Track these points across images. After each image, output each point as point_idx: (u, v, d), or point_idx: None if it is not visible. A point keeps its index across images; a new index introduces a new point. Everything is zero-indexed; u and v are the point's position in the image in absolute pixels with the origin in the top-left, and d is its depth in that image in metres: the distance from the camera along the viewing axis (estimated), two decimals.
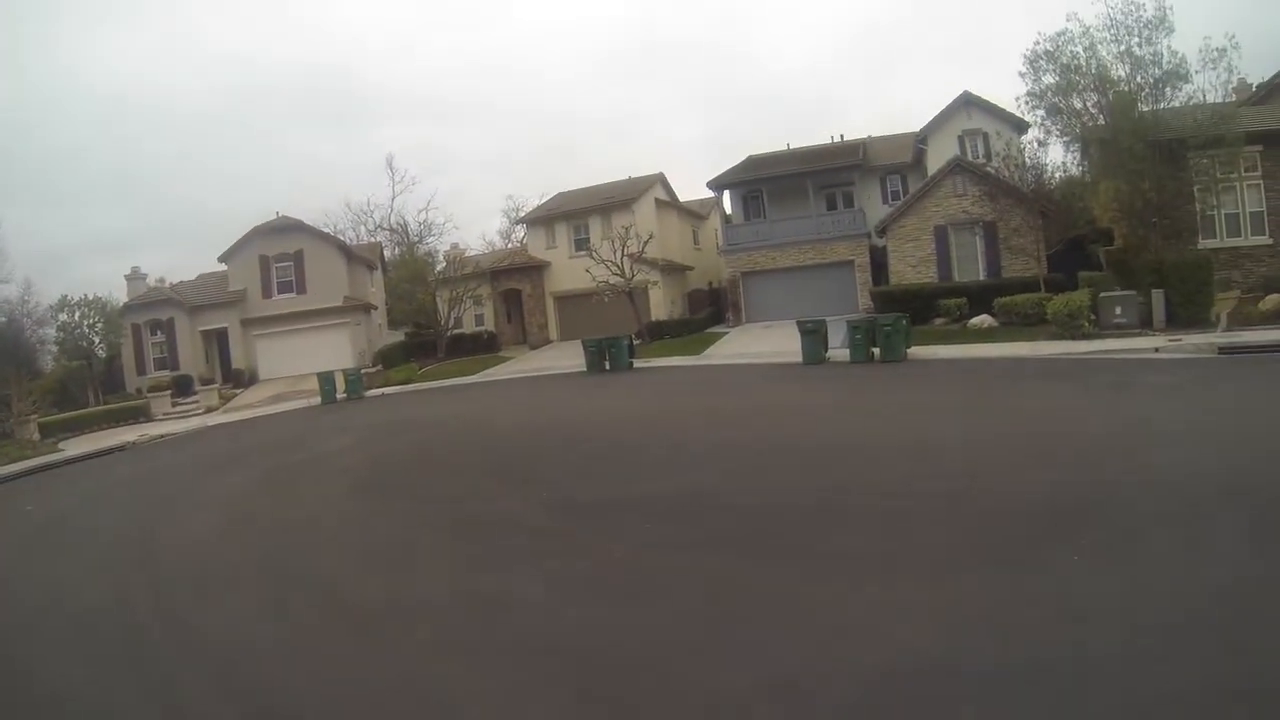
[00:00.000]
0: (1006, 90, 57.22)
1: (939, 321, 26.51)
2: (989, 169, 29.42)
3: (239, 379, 39.12)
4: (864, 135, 41.39)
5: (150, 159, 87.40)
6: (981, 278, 28.98)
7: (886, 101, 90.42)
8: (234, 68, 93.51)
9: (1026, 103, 24.87)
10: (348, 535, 9.58)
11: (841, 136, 41.34)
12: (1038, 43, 23.82)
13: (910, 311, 24.27)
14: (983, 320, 24.77)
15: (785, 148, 40.78)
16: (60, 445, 27.60)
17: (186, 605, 7.64)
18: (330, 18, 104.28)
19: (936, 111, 35.57)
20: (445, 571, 7.57)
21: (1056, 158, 40.48)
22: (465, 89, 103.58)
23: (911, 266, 30.71)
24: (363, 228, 45.84)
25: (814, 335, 22.16)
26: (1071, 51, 23.22)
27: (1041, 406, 12.91)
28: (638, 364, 27.46)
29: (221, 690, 5.60)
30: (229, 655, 6.20)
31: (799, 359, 22.25)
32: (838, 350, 22.73)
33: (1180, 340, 18.05)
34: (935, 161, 33.50)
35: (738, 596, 5.87)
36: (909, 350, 20.84)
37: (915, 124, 37.84)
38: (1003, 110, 32.08)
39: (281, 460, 16.47)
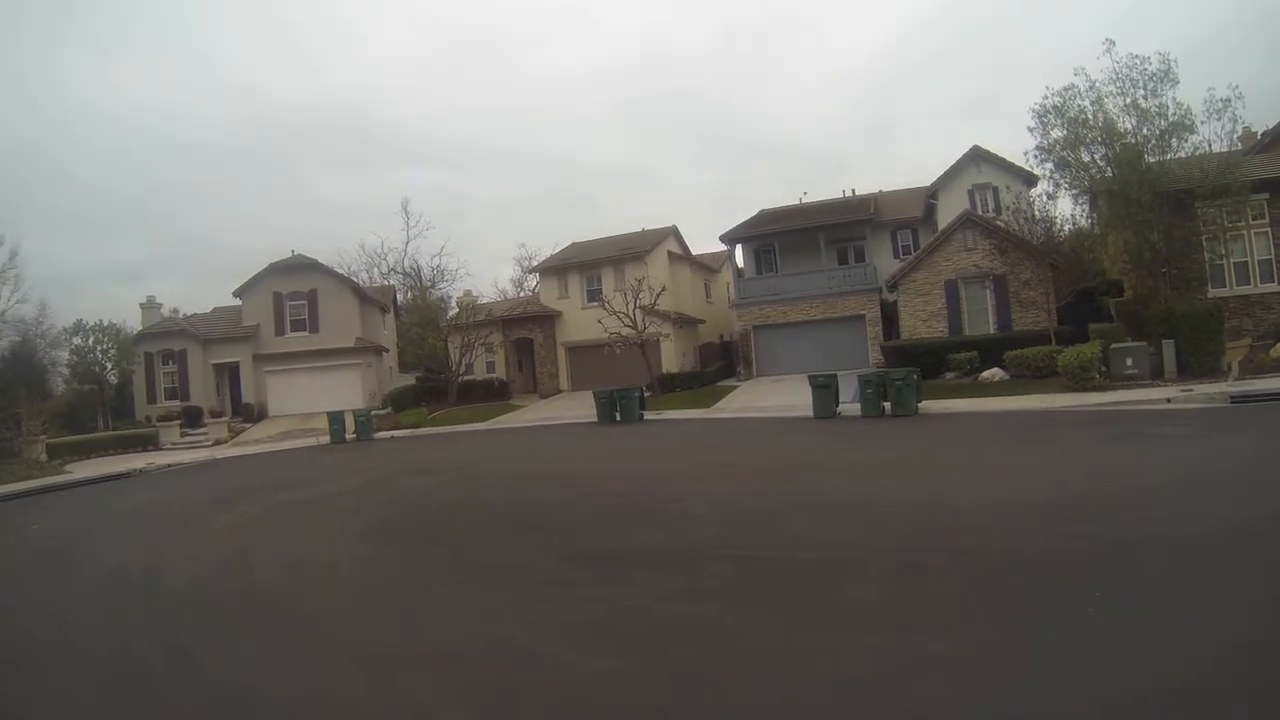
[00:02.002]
0: (1016, 144, 57.83)
1: (950, 375, 26.35)
2: (999, 222, 29.56)
3: (249, 413, 39.34)
4: (875, 190, 41.73)
5: (170, 191, 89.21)
6: (992, 331, 28.92)
7: (897, 156, 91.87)
8: (255, 106, 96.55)
9: (1035, 156, 25.15)
10: (352, 577, 9.42)
11: (853, 191, 41.56)
12: (1046, 97, 24.11)
13: (921, 365, 24.30)
14: (994, 374, 24.64)
15: (797, 201, 41.12)
16: (67, 467, 27.98)
17: (183, 639, 7.48)
18: (350, 61, 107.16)
19: (947, 166, 35.75)
20: (451, 617, 7.38)
21: (1066, 210, 40.61)
22: (481, 136, 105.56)
23: (922, 320, 30.70)
24: (376, 270, 46.45)
25: (825, 389, 22.17)
26: (1079, 106, 23.48)
27: (1054, 460, 12.66)
28: (648, 416, 27.37)
29: None
30: (220, 694, 6.02)
31: (810, 413, 22.24)
32: (849, 404, 22.63)
33: (1192, 390, 17.92)
34: (946, 215, 33.61)
35: (751, 647, 5.69)
36: (920, 404, 20.80)
37: (926, 178, 38.21)
38: (1012, 164, 32.25)
39: (292, 497, 16.44)
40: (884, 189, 41.77)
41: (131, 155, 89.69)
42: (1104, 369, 20.49)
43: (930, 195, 36.52)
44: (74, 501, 20.27)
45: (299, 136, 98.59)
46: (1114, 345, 21.03)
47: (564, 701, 5.20)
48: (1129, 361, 20.36)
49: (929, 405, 21.10)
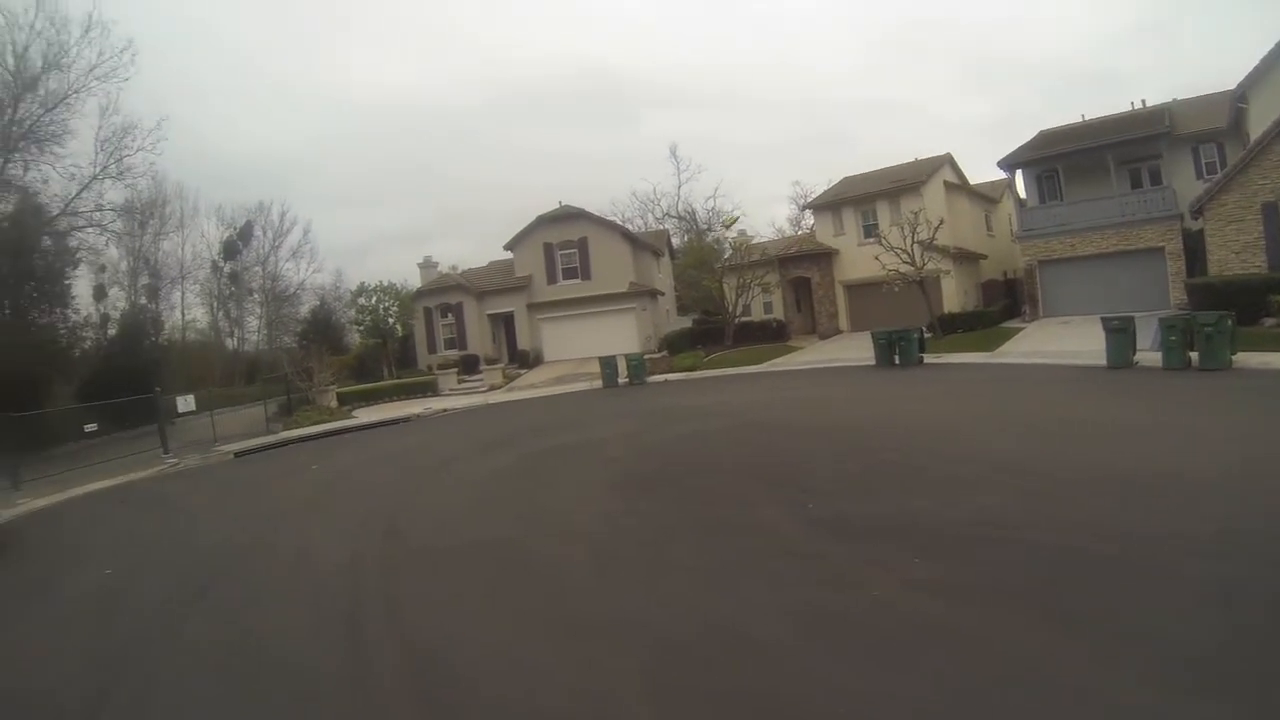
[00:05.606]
0: None
1: (1270, 322, 23.82)
2: None
3: (524, 360, 44.20)
4: (1168, 99, 39.09)
5: (442, 158, 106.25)
6: None
7: (1185, 61, 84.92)
8: (515, 71, 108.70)
9: None
10: (589, 534, 9.93)
11: (1143, 102, 39.50)
12: None
13: (1234, 308, 21.41)
14: None
15: (1080, 119, 39.63)
16: (354, 413, 34.01)
17: (413, 584, 8.76)
18: (603, 14, 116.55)
19: (1256, 61, 31.50)
20: (681, 589, 7.48)
21: None
22: (741, 78, 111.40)
23: (1235, 253, 28.57)
24: (650, 215, 50.05)
25: (1121, 334, 21.19)
26: None
27: None
28: (928, 359, 28.23)
29: (412, 679, 6.24)
30: (432, 646, 6.91)
31: (1102, 361, 21.51)
32: (1147, 352, 21.59)
33: None
34: (1259, 123, 30.20)
35: (1012, 674, 5.19)
36: (1234, 357, 19.10)
37: (1223, 83, 35.26)
38: None
39: (550, 442, 18.10)
40: (1178, 97, 38.89)
41: (406, 127, 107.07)
42: None
43: (1237, 99, 32.90)
44: (354, 444, 24.64)
45: (559, 94, 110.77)
46: None
47: (777, 711, 5.12)
48: None
49: (1245, 358, 19.26)
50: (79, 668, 7.55)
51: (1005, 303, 38.56)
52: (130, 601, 9.75)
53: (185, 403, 31.94)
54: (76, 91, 34.77)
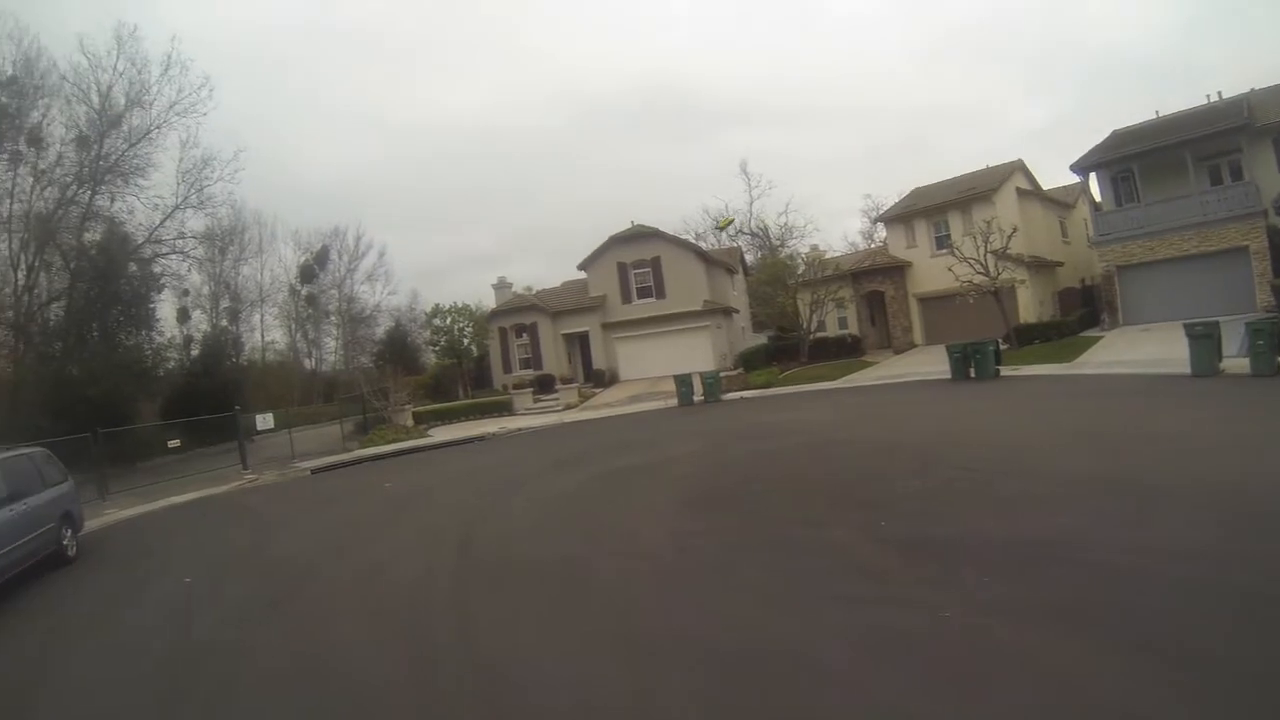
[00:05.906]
0: None
1: None
2: None
3: (599, 379, 45.17)
4: (1247, 89, 37.45)
5: (515, 179, 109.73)
6: None
7: (1258, 45, 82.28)
8: (586, 91, 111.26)
9: None
10: (663, 550, 10.06)
11: (1219, 95, 38.05)
12: None
13: None
14: None
15: (1154, 116, 38.89)
16: (429, 432, 35.00)
17: (481, 600, 8.96)
18: (674, 33, 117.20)
19: None
20: (747, 609, 7.50)
21: None
22: (811, 92, 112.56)
23: None
24: (723, 232, 50.77)
25: (1205, 340, 20.57)
26: None
27: None
28: (1004, 371, 28.06)
29: (474, 694, 6.38)
30: (494, 658, 7.05)
31: (1186, 369, 20.85)
32: (1234, 359, 21.09)
33: None
34: None
35: (1083, 702, 4.96)
36: None
37: None
38: None
39: (623, 462, 18.20)
40: (1257, 87, 37.27)
41: (479, 154, 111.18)
42: None
43: None
44: (429, 462, 25.37)
45: (630, 114, 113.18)
46: None
47: None
48: None
49: None
50: (150, 673, 7.99)
51: (1083, 311, 37.94)
52: (208, 608, 10.34)
53: (264, 421, 33.82)
54: (158, 127, 37.66)
